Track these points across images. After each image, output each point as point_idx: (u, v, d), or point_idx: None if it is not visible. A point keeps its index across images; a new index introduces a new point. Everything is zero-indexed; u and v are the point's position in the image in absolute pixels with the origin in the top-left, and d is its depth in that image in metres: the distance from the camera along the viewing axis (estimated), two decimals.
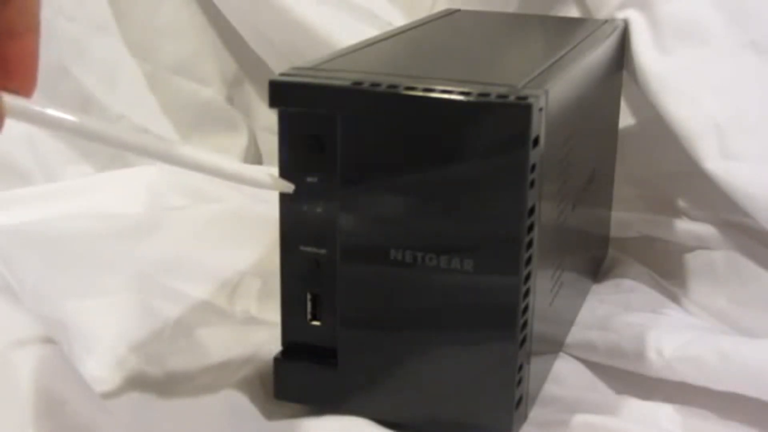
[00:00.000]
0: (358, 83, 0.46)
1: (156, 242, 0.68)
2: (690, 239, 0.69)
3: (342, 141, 0.46)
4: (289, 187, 0.47)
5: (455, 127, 0.44)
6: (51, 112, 0.38)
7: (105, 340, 0.57)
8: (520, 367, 0.47)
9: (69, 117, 0.39)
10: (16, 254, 0.62)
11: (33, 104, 0.37)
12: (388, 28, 0.66)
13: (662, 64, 0.67)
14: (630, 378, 0.56)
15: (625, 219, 0.74)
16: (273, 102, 0.47)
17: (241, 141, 0.91)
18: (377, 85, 0.45)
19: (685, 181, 0.70)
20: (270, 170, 0.47)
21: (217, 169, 0.44)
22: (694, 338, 0.55)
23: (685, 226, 0.70)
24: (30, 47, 0.38)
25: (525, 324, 0.47)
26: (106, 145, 0.41)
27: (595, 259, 0.70)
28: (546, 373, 0.56)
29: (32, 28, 0.38)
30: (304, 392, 0.50)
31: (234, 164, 0.46)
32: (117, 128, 0.42)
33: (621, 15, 0.69)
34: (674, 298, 0.67)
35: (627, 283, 0.68)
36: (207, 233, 0.71)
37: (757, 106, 0.66)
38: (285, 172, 0.48)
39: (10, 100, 0.36)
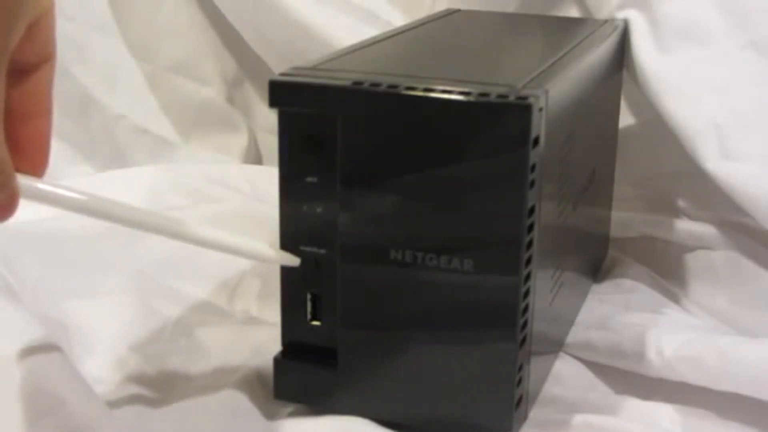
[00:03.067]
0: (358, 83, 0.46)
1: (156, 242, 0.67)
2: (690, 239, 0.69)
3: (342, 141, 0.46)
4: (294, 261, 0.48)
5: (455, 127, 0.44)
6: (63, 192, 0.39)
7: (105, 340, 0.57)
8: (520, 367, 0.47)
9: (79, 196, 0.40)
10: (16, 254, 0.62)
11: (45, 184, 0.38)
12: (388, 28, 0.66)
13: (662, 64, 0.67)
14: (630, 378, 0.56)
15: (625, 219, 0.74)
16: (273, 102, 0.47)
17: (241, 141, 0.91)
18: (377, 85, 0.45)
19: (685, 181, 0.70)
20: (271, 246, 0.49)
21: (222, 245, 0.46)
22: (694, 338, 0.55)
23: (685, 226, 0.70)
24: (42, 130, 0.39)
25: (525, 324, 0.47)
26: (115, 223, 0.42)
27: (595, 259, 0.70)
28: (546, 373, 0.56)
29: (44, 111, 0.39)
30: (304, 392, 0.50)
31: (239, 239, 0.47)
32: (125, 206, 0.43)
33: (621, 15, 0.69)
34: (674, 298, 0.67)
35: (627, 283, 0.68)
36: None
37: (757, 106, 0.66)
38: (285, 172, 0.48)
39: (23, 180, 0.37)
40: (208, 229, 0.46)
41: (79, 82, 0.85)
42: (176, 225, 0.45)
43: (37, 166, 0.39)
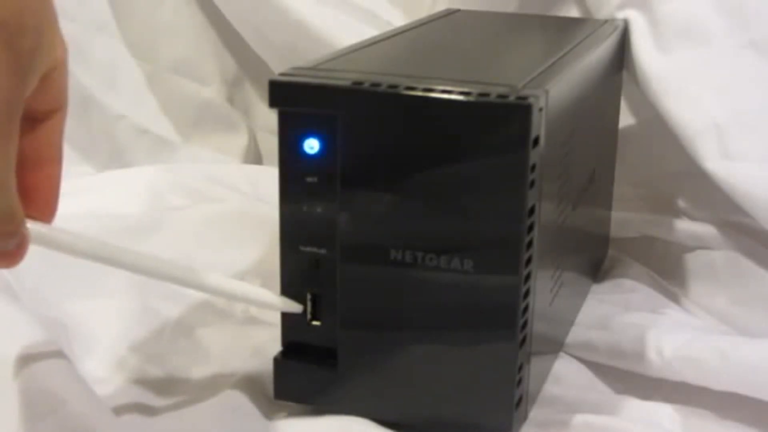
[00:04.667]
0: (358, 83, 0.46)
1: (156, 242, 0.68)
2: (690, 239, 0.69)
3: (342, 141, 0.46)
4: (298, 308, 0.49)
5: (455, 126, 0.44)
6: (72, 238, 0.40)
7: (105, 340, 0.57)
8: (520, 367, 0.47)
9: (90, 243, 0.40)
10: None
11: (54, 230, 0.39)
12: (388, 28, 0.66)
13: (662, 64, 0.67)
14: (630, 378, 0.56)
15: (625, 219, 0.74)
16: (273, 102, 0.47)
17: (241, 141, 0.91)
18: (377, 85, 0.45)
19: (685, 181, 0.70)
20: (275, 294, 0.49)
21: (228, 293, 0.48)
22: (694, 338, 0.55)
23: (685, 226, 0.70)
24: (53, 177, 0.40)
25: (525, 324, 0.47)
26: (124, 270, 0.43)
27: (595, 259, 0.70)
28: (546, 373, 0.56)
29: (55, 158, 0.40)
30: (304, 392, 0.50)
31: (245, 287, 0.49)
32: (136, 254, 0.44)
33: (621, 15, 0.69)
34: (674, 298, 0.67)
35: (627, 283, 0.68)
36: (207, 233, 0.71)
37: (757, 106, 0.66)
38: (285, 172, 0.48)
39: (33, 226, 0.37)
40: (215, 277, 0.47)
41: (79, 82, 0.85)
42: (185, 273, 0.46)
43: (46, 212, 0.40)
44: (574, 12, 0.75)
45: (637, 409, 0.54)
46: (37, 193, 0.40)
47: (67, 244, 0.41)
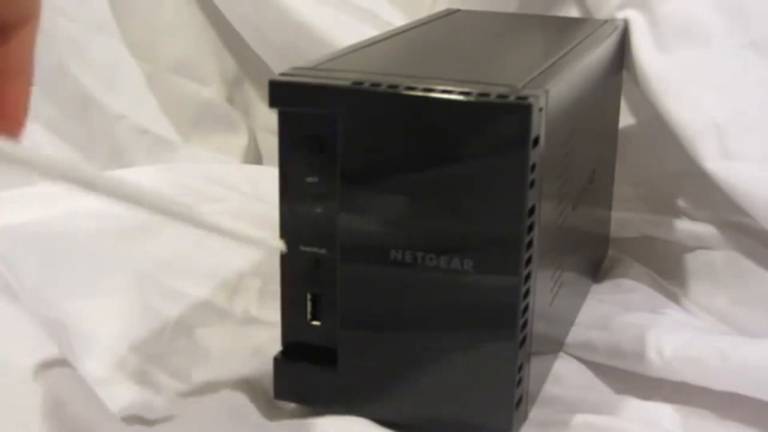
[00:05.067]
0: (358, 83, 0.46)
1: (156, 242, 0.68)
2: (690, 239, 0.69)
3: (342, 141, 0.46)
4: (281, 245, 0.48)
5: (455, 126, 0.44)
6: (40, 157, 0.38)
7: (105, 340, 0.57)
8: (520, 367, 0.47)
9: (61, 162, 0.39)
10: (16, 254, 0.62)
11: (22, 147, 0.37)
12: (388, 28, 0.66)
13: (662, 64, 0.67)
14: (630, 378, 0.56)
15: (625, 219, 0.74)
16: (273, 102, 0.47)
17: (241, 141, 0.91)
18: (377, 85, 0.45)
19: (685, 181, 0.70)
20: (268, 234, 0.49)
21: (219, 229, 0.47)
22: (694, 338, 0.55)
23: (685, 226, 0.70)
24: (21, 91, 0.38)
25: (525, 324, 0.47)
26: (96, 193, 0.41)
27: (595, 259, 0.70)
28: (546, 373, 0.56)
29: (24, 72, 0.38)
30: (304, 392, 0.50)
31: (236, 225, 0.47)
32: (110, 176, 0.42)
33: (621, 15, 0.69)
34: (674, 298, 0.67)
35: (627, 283, 0.68)
36: (207, 233, 0.71)
37: (757, 106, 0.66)
38: (285, 172, 0.48)
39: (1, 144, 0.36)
40: (188, 205, 0.45)
41: (79, 82, 0.85)
42: (159, 199, 0.44)
43: (13, 128, 0.39)
44: (574, 12, 0.75)
45: (637, 409, 0.54)
46: (4, 108, 0.37)
47: (35, 162, 0.38)
